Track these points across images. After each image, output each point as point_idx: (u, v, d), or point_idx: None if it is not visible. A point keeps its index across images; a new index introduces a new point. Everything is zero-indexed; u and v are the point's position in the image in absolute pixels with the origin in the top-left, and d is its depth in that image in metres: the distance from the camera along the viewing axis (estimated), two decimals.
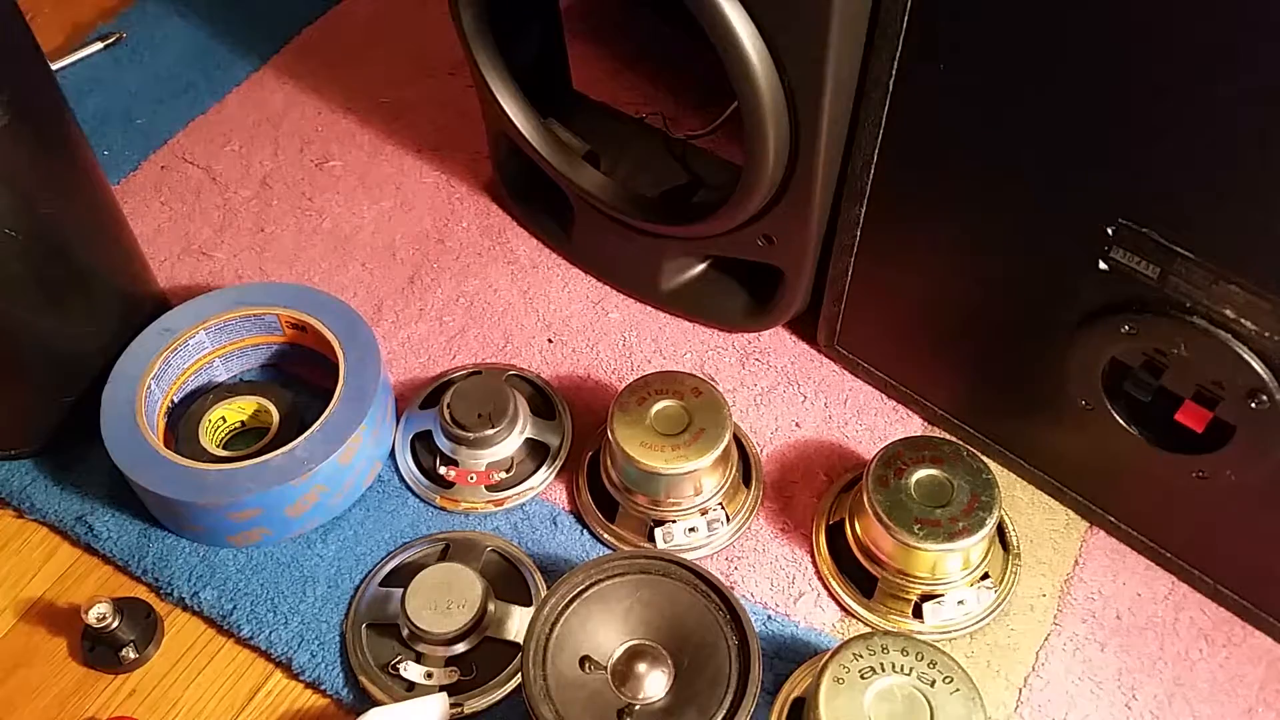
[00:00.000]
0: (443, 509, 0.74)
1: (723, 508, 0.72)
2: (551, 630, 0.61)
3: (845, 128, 0.65)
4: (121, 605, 0.68)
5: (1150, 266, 0.57)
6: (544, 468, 0.76)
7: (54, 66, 0.68)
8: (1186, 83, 0.50)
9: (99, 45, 1.08)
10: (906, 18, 0.57)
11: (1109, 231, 0.57)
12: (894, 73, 0.60)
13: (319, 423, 0.70)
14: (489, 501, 0.74)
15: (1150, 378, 0.62)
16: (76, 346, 0.75)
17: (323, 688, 0.67)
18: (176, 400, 0.77)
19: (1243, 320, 0.55)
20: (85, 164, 0.72)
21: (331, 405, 0.71)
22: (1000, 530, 0.72)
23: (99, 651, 0.69)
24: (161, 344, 0.74)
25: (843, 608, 0.70)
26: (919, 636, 0.61)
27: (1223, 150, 0.51)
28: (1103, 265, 0.58)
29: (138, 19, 1.12)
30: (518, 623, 0.67)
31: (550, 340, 0.84)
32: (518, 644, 0.67)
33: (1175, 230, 0.55)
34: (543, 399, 0.80)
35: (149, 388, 0.73)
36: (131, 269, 0.79)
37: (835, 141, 0.65)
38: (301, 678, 0.68)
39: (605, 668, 0.62)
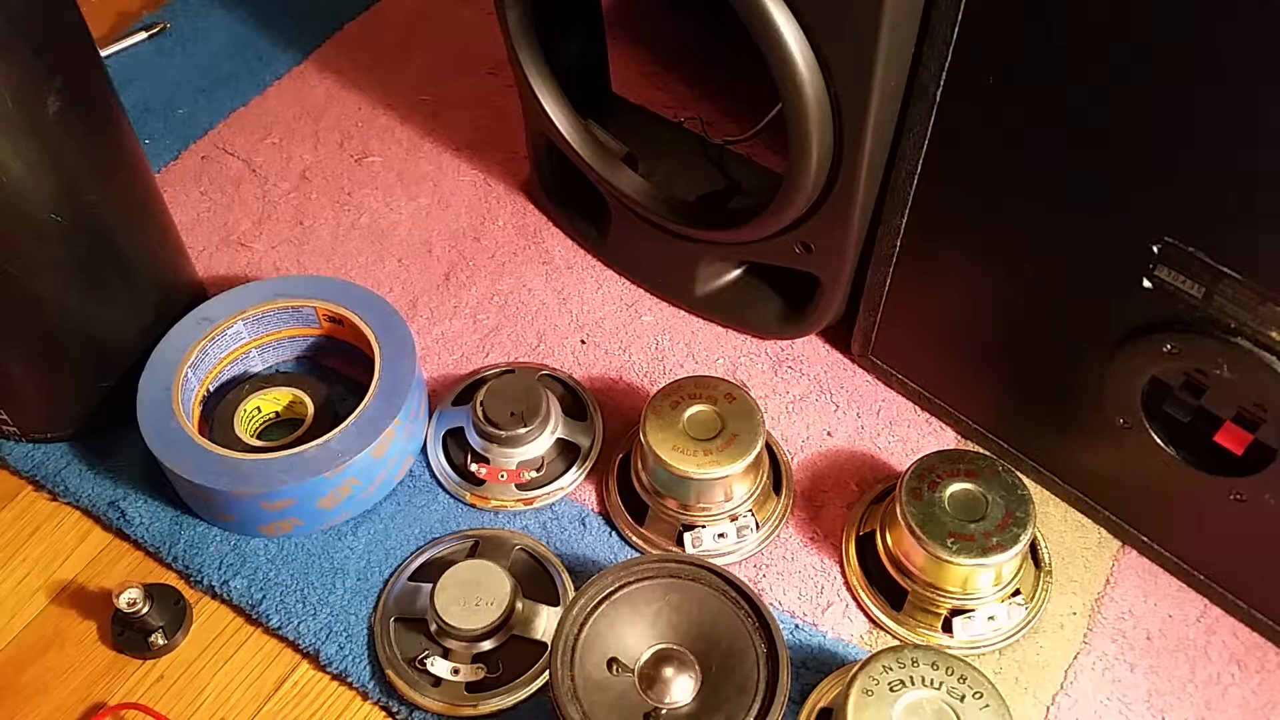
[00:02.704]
0: (473, 506, 0.75)
1: (752, 514, 0.72)
2: (580, 631, 0.61)
3: (890, 137, 0.65)
4: (152, 591, 0.68)
5: (1195, 286, 0.56)
6: (574, 468, 0.76)
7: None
8: (1237, 104, 0.49)
9: (143, 35, 1.09)
10: (957, 29, 0.57)
11: (1154, 249, 0.56)
12: (941, 83, 0.60)
13: (354, 416, 0.71)
14: (519, 500, 0.74)
15: (1190, 398, 0.61)
16: (115, 332, 0.75)
17: (349, 680, 0.68)
18: (212, 389, 0.78)
19: None
20: (131, 152, 0.72)
21: (366, 399, 0.71)
22: (1032, 547, 0.71)
23: (128, 636, 0.69)
24: (200, 333, 0.75)
25: (871, 619, 0.69)
26: (948, 651, 0.60)
27: (1273, 171, 0.50)
28: (1146, 283, 0.58)
29: (182, 10, 1.13)
30: (545, 622, 0.68)
31: (583, 341, 0.84)
32: (544, 643, 0.67)
33: (1222, 250, 0.54)
34: (574, 399, 0.80)
35: (186, 376, 0.73)
36: (171, 257, 0.80)
37: (879, 150, 0.65)
38: (328, 669, 0.68)
39: (632, 670, 0.62)
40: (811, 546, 0.73)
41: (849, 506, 0.74)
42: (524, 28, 0.77)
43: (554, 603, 0.69)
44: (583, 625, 0.61)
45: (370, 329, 0.75)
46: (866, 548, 0.71)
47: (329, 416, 0.76)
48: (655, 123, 0.92)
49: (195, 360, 0.74)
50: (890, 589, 0.68)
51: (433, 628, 0.67)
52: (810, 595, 0.71)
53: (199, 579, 0.72)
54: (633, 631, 0.62)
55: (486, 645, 0.66)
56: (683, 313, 0.86)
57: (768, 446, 0.75)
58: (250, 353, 0.79)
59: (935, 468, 0.66)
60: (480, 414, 0.73)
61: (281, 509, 0.70)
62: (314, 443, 0.69)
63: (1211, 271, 0.55)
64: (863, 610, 0.70)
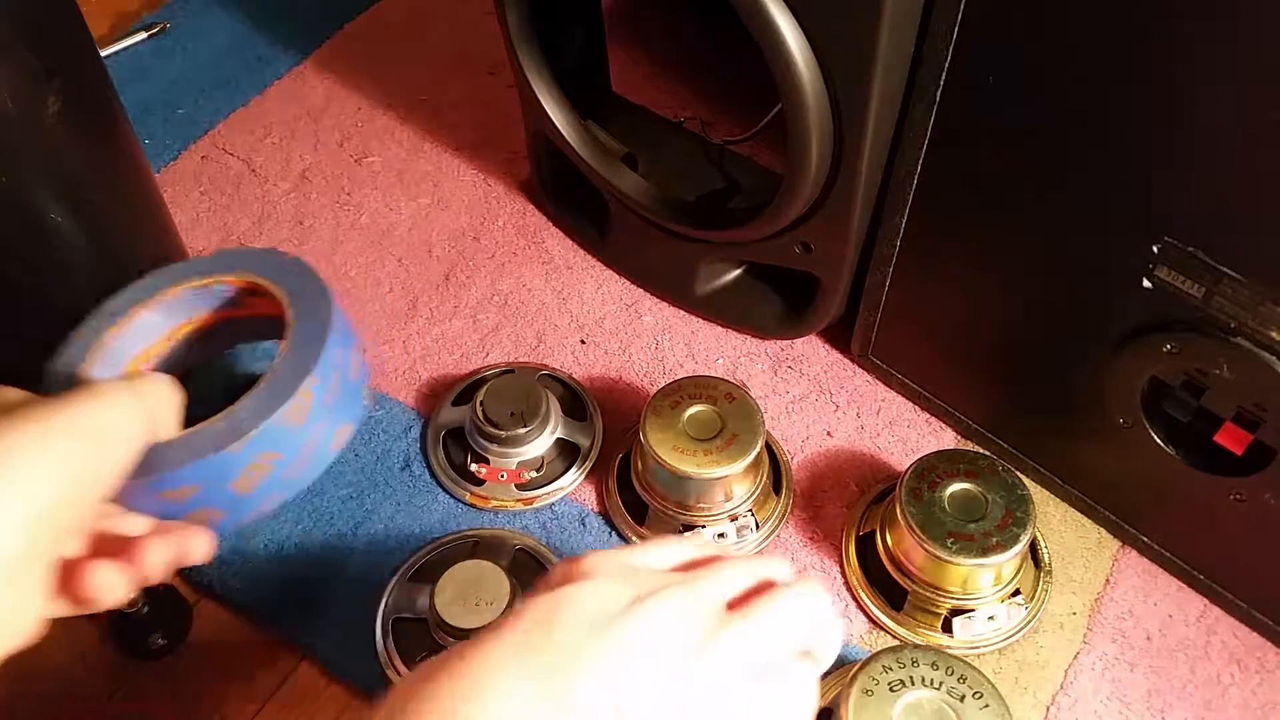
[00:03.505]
0: (472, 506, 0.75)
1: (752, 514, 0.72)
2: None
3: (890, 136, 0.65)
4: (152, 591, 0.68)
5: (1195, 286, 0.56)
6: (574, 468, 0.76)
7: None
8: (1237, 103, 0.49)
9: (143, 35, 1.09)
10: (957, 29, 0.57)
11: (1154, 249, 0.56)
12: (941, 83, 0.59)
13: (262, 380, 0.59)
14: (519, 500, 0.74)
15: (1190, 397, 0.61)
16: None
17: (349, 680, 0.68)
18: None
19: None
20: (131, 152, 0.72)
21: (277, 360, 0.60)
22: (1032, 547, 0.71)
23: (128, 636, 0.69)
24: (105, 325, 0.65)
25: (871, 619, 0.69)
26: (948, 651, 0.61)
27: (1273, 171, 0.50)
28: (1146, 283, 0.58)
29: (181, 10, 1.13)
30: None
31: (583, 341, 0.84)
32: None
33: (1222, 250, 0.54)
34: (574, 399, 0.80)
35: (94, 375, 0.63)
36: (171, 258, 0.79)
37: (879, 150, 0.65)
38: (328, 669, 0.68)
39: None
40: (811, 547, 0.73)
41: (849, 506, 0.74)
42: (524, 28, 0.77)
43: None
44: None
45: (279, 287, 0.65)
46: (866, 548, 0.71)
47: None
48: (655, 123, 0.92)
49: (105, 359, 0.65)
50: (890, 589, 0.68)
51: (433, 628, 0.67)
52: None
53: (199, 579, 0.72)
54: None
55: None
56: (682, 313, 0.86)
57: (768, 446, 0.75)
58: (178, 343, 0.69)
59: (935, 468, 0.66)
60: (480, 414, 0.73)
61: (189, 498, 0.58)
62: (217, 416, 0.58)
63: (1211, 271, 0.55)
64: (863, 610, 0.70)
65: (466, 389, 0.80)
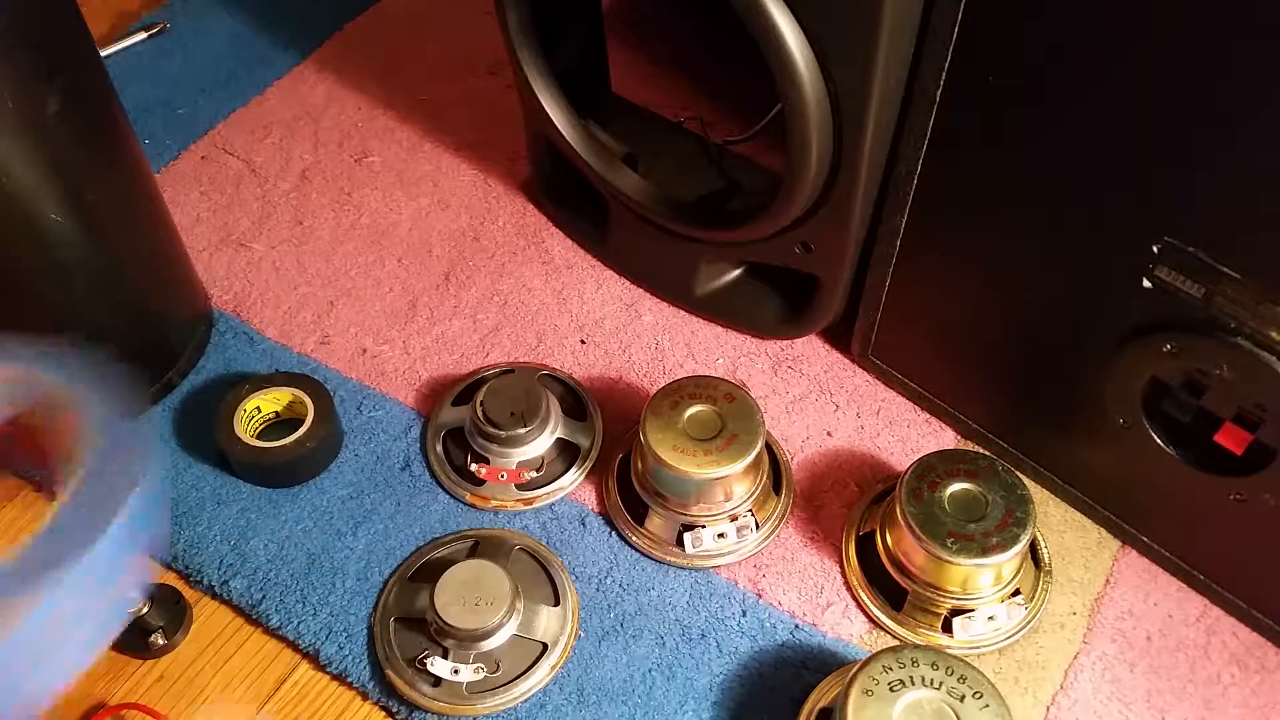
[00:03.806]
0: (472, 506, 0.75)
1: (752, 514, 0.72)
2: None
3: (889, 136, 0.65)
4: (152, 591, 0.68)
5: (1195, 286, 0.56)
6: (574, 468, 0.76)
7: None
8: (1234, 103, 0.49)
9: (143, 35, 1.09)
10: (957, 29, 0.57)
11: (1154, 249, 0.56)
12: (942, 82, 0.59)
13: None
14: (519, 500, 0.74)
15: (1190, 398, 0.61)
16: (114, 334, 0.75)
17: (349, 680, 0.68)
18: None
19: None
20: (131, 152, 0.72)
21: (21, 544, 0.40)
22: (1032, 547, 0.71)
23: (128, 636, 0.69)
24: None
25: (871, 619, 0.69)
26: (948, 651, 0.61)
27: (1273, 171, 0.50)
28: (1146, 283, 0.58)
29: (181, 10, 1.13)
30: (545, 622, 0.68)
31: (583, 341, 0.84)
32: (544, 643, 0.67)
33: (1221, 250, 0.54)
34: (574, 399, 0.80)
35: None
36: (171, 258, 0.80)
37: (879, 150, 0.65)
38: (328, 669, 0.68)
39: None
40: (811, 547, 0.73)
41: (849, 506, 0.74)
42: (524, 28, 0.77)
43: (554, 603, 0.69)
44: None
45: (84, 440, 0.43)
46: (866, 548, 0.71)
47: (328, 418, 0.75)
48: (655, 123, 0.92)
49: None
50: (890, 589, 0.68)
51: (432, 628, 0.67)
52: (810, 595, 0.71)
53: (199, 579, 0.72)
54: None
55: (486, 645, 0.66)
56: (682, 312, 0.86)
57: (768, 446, 0.75)
58: None
59: (935, 468, 0.66)
60: (480, 414, 0.73)
61: None
62: None
63: (1211, 271, 0.55)
64: (863, 610, 0.70)
65: (466, 389, 0.80)
